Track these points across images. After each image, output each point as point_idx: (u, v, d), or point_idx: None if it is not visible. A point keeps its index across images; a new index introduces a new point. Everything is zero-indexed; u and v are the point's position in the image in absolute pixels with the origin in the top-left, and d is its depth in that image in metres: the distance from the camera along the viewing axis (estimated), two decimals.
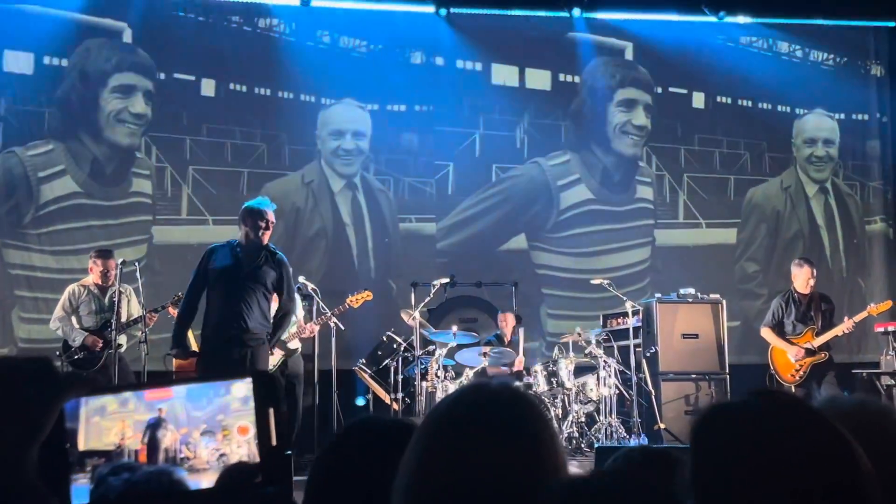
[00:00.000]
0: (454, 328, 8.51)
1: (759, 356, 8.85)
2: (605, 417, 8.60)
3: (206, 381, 1.29)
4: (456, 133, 10.84)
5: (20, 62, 9.97)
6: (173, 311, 7.33)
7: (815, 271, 8.48)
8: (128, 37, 10.22)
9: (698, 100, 11.36)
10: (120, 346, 7.71)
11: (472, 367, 8.60)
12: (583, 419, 8.73)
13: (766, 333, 8.51)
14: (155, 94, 10.16)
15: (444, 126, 10.80)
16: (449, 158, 10.81)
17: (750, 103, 11.41)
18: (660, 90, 11.26)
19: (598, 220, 10.94)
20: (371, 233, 10.53)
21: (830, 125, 11.54)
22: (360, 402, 9.05)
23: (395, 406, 8.44)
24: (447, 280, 8.80)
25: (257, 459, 1.24)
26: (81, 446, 1.26)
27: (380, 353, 8.75)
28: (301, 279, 7.78)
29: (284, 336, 7.79)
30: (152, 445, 1.27)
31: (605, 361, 8.74)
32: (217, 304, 6.05)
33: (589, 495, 1.20)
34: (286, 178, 10.43)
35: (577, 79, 11.19)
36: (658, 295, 9.39)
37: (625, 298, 9.08)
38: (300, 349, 8.11)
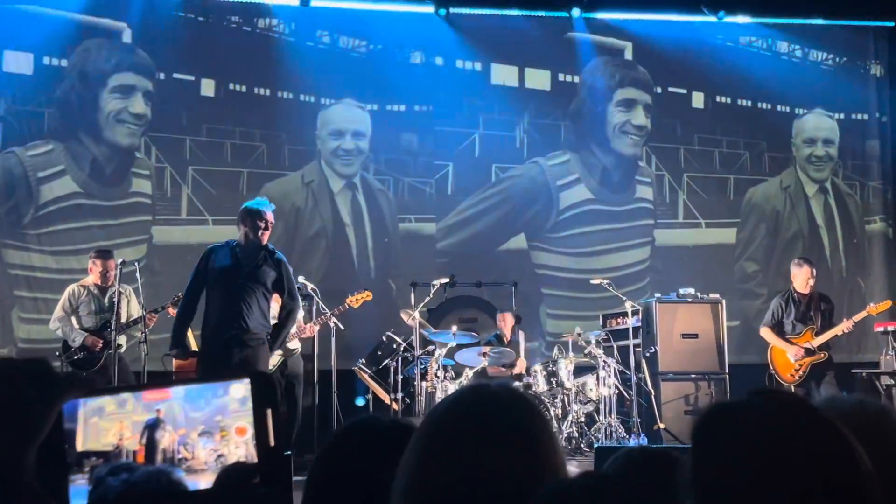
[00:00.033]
0: (454, 328, 8.51)
1: (759, 356, 8.86)
2: (605, 417, 8.60)
3: (205, 383, 1.29)
4: (455, 133, 10.84)
5: (20, 62, 9.97)
6: (173, 312, 7.33)
7: (814, 271, 8.49)
8: (127, 37, 10.22)
9: (698, 99, 11.36)
10: (120, 346, 7.72)
11: (471, 368, 8.60)
12: (582, 419, 8.73)
13: (766, 333, 8.52)
14: (154, 95, 10.15)
15: (443, 126, 10.80)
16: (448, 158, 10.81)
17: (749, 103, 11.41)
18: (659, 90, 11.26)
19: (598, 219, 10.94)
20: (371, 233, 10.53)
21: (830, 125, 11.54)
22: (360, 402, 9.04)
23: (394, 406, 8.44)
24: (447, 280, 8.81)
25: (255, 460, 1.24)
26: (80, 447, 1.26)
27: (379, 353, 8.75)
28: (301, 279, 7.77)
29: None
30: (150, 446, 1.27)
31: (604, 361, 8.74)
32: (217, 304, 6.05)
33: (574, 499, 1.20)
34: (286, 179, 10.43)
35: (576, 79, 11.19)
36: (658, 295, 9.39)
37: (624, 298, 9.08)
38: (300, 349, 8.12)
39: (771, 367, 8.50)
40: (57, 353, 7.81)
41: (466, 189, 10.83)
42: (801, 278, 8.40)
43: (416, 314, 8.34)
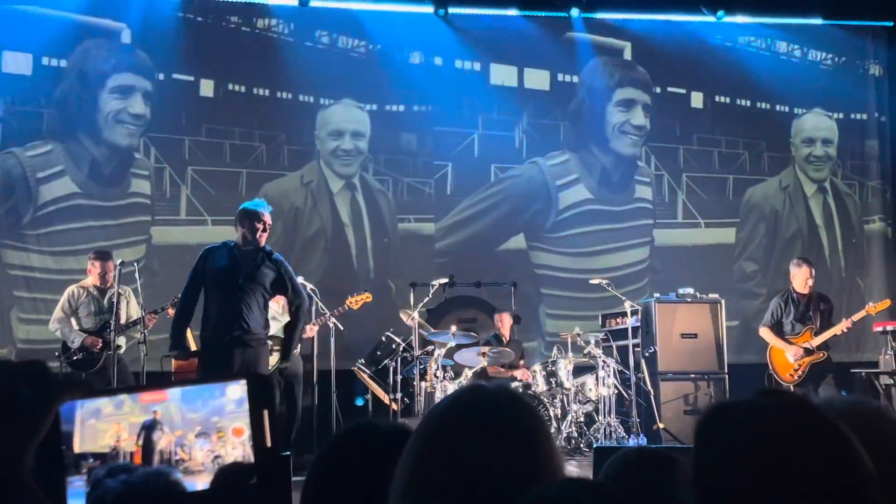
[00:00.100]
0: (453, 328, 8.51)
1: (758, 356, 8.86)
2: (604, 417, 8.60)
3: (201, 384, 1.29)
4: (455, 133, 10.85)
5: (19, 63, 9.98)
6: (172, 313, 7.33)
7: (813, 271, 8.49)
8: (126, 37, 10.22)
9: (697, 99, 11.36)
10: (119, 347, 7.72)
11: (470, 368, 8.60)
12: (582, 419, 8.73)
13: (765, 333, 8.52)
14: (154, 95, 10.15)
15: (442, 126, 10.80)
16: (448, 158, 10.81)
17: (748, 103, 11.41)
18: (658, 90, 11.27)
19: (597, 219, 10.95)
20: (370, 233, 10.53)
21: (829, 125, 11.54)
22: (359, 402, 9.04)
23: (393, 406, 8.45)
24: (446, 280, 8.82)
25: (252, 461, 1.24)
26: (77, 449, 1.26)
27: (379, 353, 8.76)
28: (300, 279, 7.75)
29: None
30: (147, 447, 1.27)
31: (603, 361, 8.75)
32: (216, 305, 6.04)
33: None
34: (285, 179, 10.43)
35: (575, 79, 11.19)
36: (657, 295, 9.40)
37: (623, 298, 9.08)
38: (299, 349, 8.12)
39: (770, 367, 8.50)
40: (56, 354, 7.82)
41: (466, 189, 10.83)
42: (801, 278, 8.40)
43: (416, 314, 8.35)
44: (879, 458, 1.22)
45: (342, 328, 8.41)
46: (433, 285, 8.67)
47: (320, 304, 8.11)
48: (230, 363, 5.91)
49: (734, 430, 1.22)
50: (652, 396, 8.77)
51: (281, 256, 6.35)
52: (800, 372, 8.29)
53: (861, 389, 8.93)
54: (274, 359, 7.41)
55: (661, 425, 8.60)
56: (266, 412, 1.25)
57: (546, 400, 8.52)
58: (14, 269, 9.68)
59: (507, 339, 9.29)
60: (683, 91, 11.34)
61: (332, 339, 8.35)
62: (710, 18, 11.12)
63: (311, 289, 8.07)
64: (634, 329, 9.18)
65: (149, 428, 1.27)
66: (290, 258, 8.92)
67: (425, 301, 8.69)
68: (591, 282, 9.42)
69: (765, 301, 9.97)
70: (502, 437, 1.31)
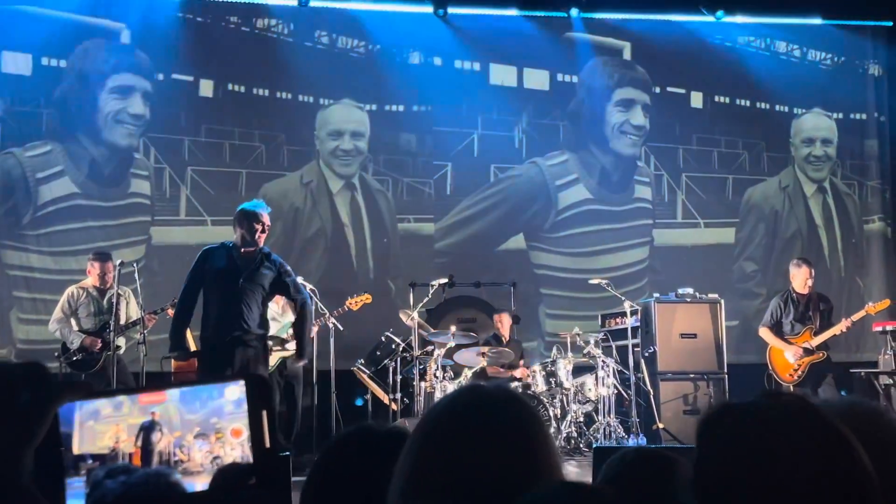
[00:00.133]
0: (452, 328, 8.51)
1: (758, 356, 8.86)
2: (604, 417, 8.60)
3: (200, 385, 1.29)
4: (454, 133, 10.85)
5: (18, 63, 9.97)
6: (172, 314, 7.32)
7: (813, 271, 8.49)
8: (126, 38, 10.22)
9: (696, 99, 11.36)
10: (119, 347, 7.71)
11: (470, 368, 8.60)
12: (581, 419, 8.73)
13: (765, 333, 8.52)
14: (153, 95, 10.15)
15: (442, 126, 10.80)
16: (447, 159, 10.81)
17: (748, 103, 11.41)
18: (658, 90, 11.27)
19: (597, 219, 10.95)
20: (370, 233, 10.53)
21: (828, 125, 11.54)
22: (359, 402, 9.04)
23: (393, 406, 8.45)
24: (446, 280, 8.82)
25: (251, 461, 1.24)
26: (76, 450, 1.26)
27: (378, 353, 8.76)
28: (299, 279, 7.77)
29: (284, 335, 7.81)
30: (146, 448, 1.27)
31: (603, 361, 8.75)
32: (216, 306, 6.03)
33: None
34: (285, 179, 10.43)
35: (575, 79, 11.19)
36: (656, 295, 9.40)
37: (623, 298, 9.08)
38: None
39: (770, 367, 8.50)
40: (56, 354, 7.81)
41: (465, 189, 10.83)
42: (800, 278, 8.41)
43: (415, 314, 8.35)
44: (877, 458, 1.22)
45: (342, 328, 8.41)
46: (433, 285, 8.67)
47: (320, 304, 8.11)
48: (230, 363, 5.91)
49: (736, 430, 1.22)
50: (651, 396, 8.77)
51: (279, 258, 6.36)
52: (799, 372, 8.29)
53: (860, 389, 8.94)
54: (274, 359, 7.43)
55: (661, 425, 8.60)
56: (264, 413, 1.25)
57: (545, 400, 8.52)
58: (14, 269, 9.68)
59: (507, 339, 9.29)
60: (683, 91, 11.34)
61: (332, 340, 8.35)
62: (710, 18, 11.12)
63: (311, 289, 8.04)
64: (634, 329, 9.18)
65: (147, 429, 1.27)
66: (289, 258, 8.95)
67: (425, 301, 8.69)
68: (591, 282, 9.42)
69: (764, 301, 9.97)
70: (500, 437, 1.31)
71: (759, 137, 11.39)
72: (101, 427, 1.26)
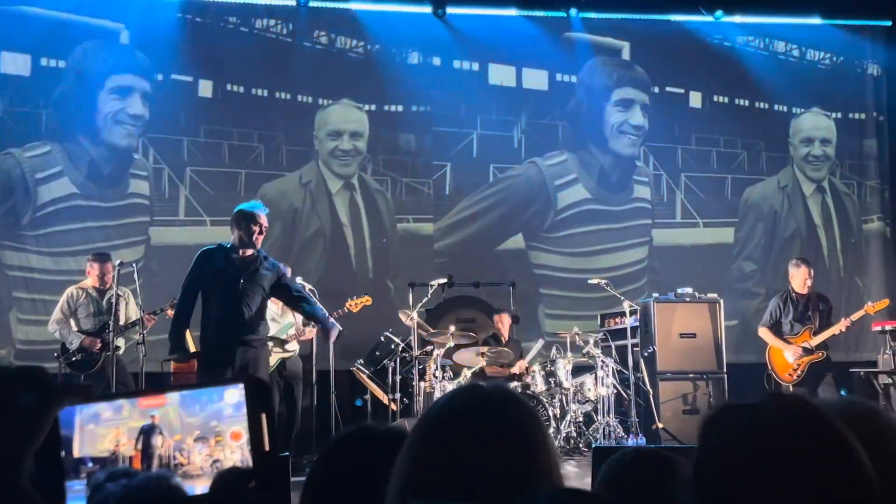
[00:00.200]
0: (452, 328, 8.51)
1: (757, 355, 8.87)
2: (603, 417, 8.61)
3: (200, 388, 1.30)
4: (453, 133, 10.85)
5: (17, 63, 9.98)
6: (171, 314, 7.32)
7: (812, 271, 8.50)
8: (125, 38, 10.22)
9: (695, 99, 11.37)
10: (118, 348, 7.71)
11: (469, 368, 8.61)
12: (581, 419, 8.74)
13: (764, 333, 8.53)
14: (152, 95, 10.15)
15: (441, 126, 10.81)
16: (446, 159, 10.81)
17: (747, 102, 11.42)
18: (657, 90, 11.27)
19: (596, 219, 10.95)
20: (369, 233, 10.53)
21: (827, 124, 11.55)
22: (358, 402, 9.04)
23: (393, 406, 8.45)
24: (445, 280, 8.82)
25: (251, 465, 1.25)
26: (76, 453, 1.26)
27: (378, 353, 8.76)
28: (299, 280, 7.78)
29: (283, 336, 7.81)
30: (146, 452, 1.27)
31: (602, 361, 8.76)
32: (217, 307, 6.03)
33: None
34: (284, 179, 10.43)
35: (574, 78, 11.19)
36: (655, 294, 9.41)
37: (622, 298, 9.08)
38: (298, 350, 8.13)
39: (769, 367, 8.51)
40: (55, 355, 7.82)
41: (464, 189, 10.84)
42: (799, 278, 8.41)
43: (415, 314, 8.36)
44: (875, 457, 1.22)
45: (341, 329, 8.39)
46: (432, 285, 8.67)
47: (319, 304, 8.09)
48: (231, 364, 5.92)
49: (736, 430, 1.22)
50: (651, 396, 8.78)
51: (276, 262, 6.38)
52: (799, 372, 8.30)
53: (860, 389, 8.95)
54: (274, 359, 7.43)
55: (660, 425, 8.60)
56: (264, 416, 1.25)
57: (545, 400, 8.52)
58: (13, 269, 9.68)
59: (506, 339, 9.30)
60: (682, 91, 11.35)
61: (331, 340, 8.34)
62: (709, 18, 11.13)
63: (310, 289, 8.05)
64: (633, 329, 9.18)
65: (147, 432, 1.28)
66: (288, 258, 8.98)
67: (424, 301, 8.69)
68: (590, 282, 9.42)
69: (763, 301, 9.98)
70: (499, 437, 1.31)
71: (757, 137, 11.40)
72: (101, 430, 1.27)
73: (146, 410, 1.27)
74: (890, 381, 8.96)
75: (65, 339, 7.80)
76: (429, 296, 8.70)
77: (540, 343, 9.46)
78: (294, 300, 6.50)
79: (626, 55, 11.32)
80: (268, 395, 1.25)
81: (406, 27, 10.79)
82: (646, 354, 9.02)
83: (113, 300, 7.65)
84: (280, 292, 6.37)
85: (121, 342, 7.89)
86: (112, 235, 9.77)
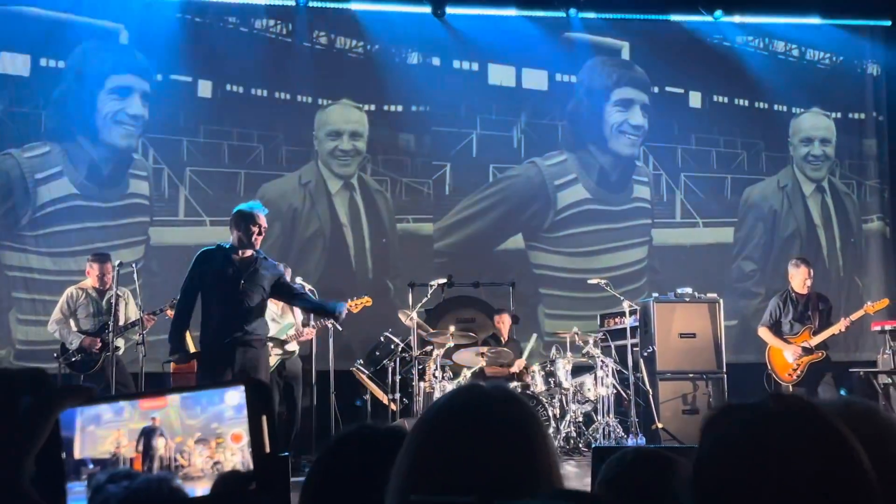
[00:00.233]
0: (451, 328, 8.51)
1: (757, 355, 8.88)
2: (603, 417, 8.61)
3: (200, 390, 1.29)
4: (453, 133, 10.85)
5: (17, 64, 9.98)
6: (171, 314, 7.32)
7: (811, 271, 8.51)
8: (124, 38, 10.22)
9: (695, 99, 11.37)
10: (117, 348, 7.71)
11: (469, 368, 8.61)
12: (580, 419, 8.74)
13: (764, 333, 8.54)
14: (152, 96, 10.15)
15: (440, 126, 10.81)
16: (446, 159, 10.82)
17: (746, 102, 11.43)
18: (656, 90, 11.28)
19: (596, 219, 10.95)
20: (368, 233, 10.54)
21: (827, 124, 11.55)
22: (358, 403, 9.04)
23: (392, 407, 8.45)
24: (444, 280, 8.82)
25: (251, 467, 1.25)
26: (77, 455, 1.26)
27: (377, 353, 8.77)
28: (298, 280, 7.78)
29: (283, 337, 7.81)
30: (147, 454, 1.27)
31: (602, 361, 8.76)
32: (217, 308, 6.03)
33: None
34: (283, 179, 10.44)
35: (573, 78, 11.19)
36: (655, 294, 9.41)
37: (622, 298, 9.09)
38: (297, 351, 8.13)
39: (769, 367, 8.52)
40: (55, 355, 7.83)
41: (464, 189, 10.84)
42: (799, 278, 8.42)
43: (414, 314, 8.36)
44: (874, 458, 1.22)
45: (340, 329, 8.41)
46: (432, 285, 8.67)
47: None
48: (231, 364, 5.92)
49: (737, 430, 1.22)
50: (650, 396, 8.78)
51: (275, 262, 6.39)
52: (798, 371, 8.31)
53: (860, 389, 8.95)
54: (273, 360, 7.43)
55: (660, 425, 8.60)
56: (265, 418, 1.25)
57: (545, 400, 8.52)
58: (12, 270, 9.68)
59: (506, 338, 9.30)
60: (681, 91, 11.35)
61: (331, 340, 8.35)
62: (708, 18, 11.13)
63: (310, 289, 8.05)
64: (633, 329, 9.18)
65: (148, 434, 1.27)
66: (288, 259, 8.99)
67: (424, 301, 8.70)
68: (590, 282, 9.42)
69: (763, 300, 9.99)
70: (499, 436, 1.31)
71: (757, 137, 11.41)
72: (102, 432, 1.26)
73: (147, 412, 1.27)
74: (889, 380, 8.96)
75: (64, 339, 7.80)
76: (428, 296, 8.70)
77: (534, 337, 9.45)
78: (294, 300, 6.51)
79: (625, 55, 11.33)
80: (268, 396, 1.25)
81: (406, 27, 10.80)
82: (645, 354, 9.03)
83: (112, 300, 7.65)
84: (279, 293, 6.38)
85: (120, 342, 7.90)
86: (112, 236, 9.77)
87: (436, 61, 10.92)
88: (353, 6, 10.72)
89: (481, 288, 9.93)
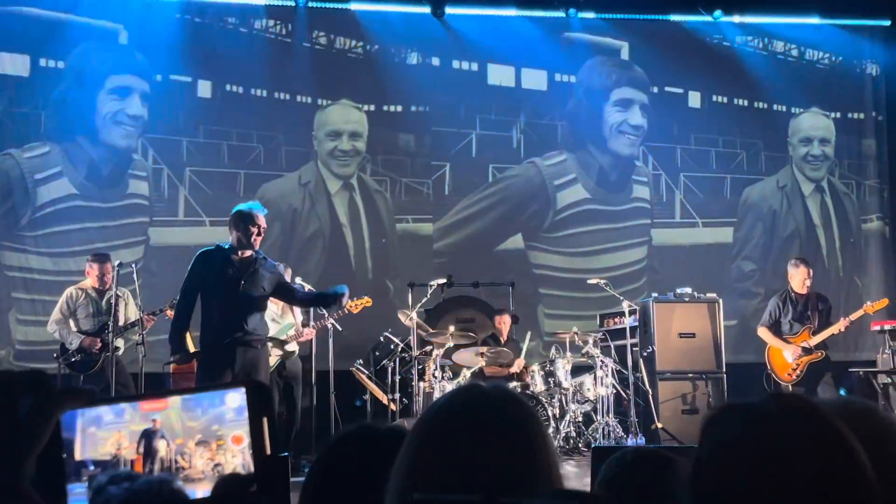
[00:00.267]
0: (451, 328, 8.51)
1: (756, 355, 8.88)
2: (603, 417, 8.61)
3: (201, 392, 1.30)
4: (452, 133, 10.85)
5: (17, 64, 9.97)
6: (171, 314, 7.31)
7: (811, 271, 8.51)
8: (124, 39, 10.22)
9: (694, 99, 11.37)
10: (117, 348, 7.71)
11: (469, 368, 8.61)
12: (580, 419, 8.74)
13: (763, 333, 8.54)
14: (151, 96, 10.15)
15: (440, 126, 10.81)
16: (445, 159, 10.82)
17: (746, 102, 11.43)
18: (656, 90, 11.27)
19: (595, 219, 10.95)
20: (368, 233, 10.54)
21: (826, 124, 11.55)
22: (358, 403, 9.04)
23: (392, 407, 8.45)
24: (444, 280, 8.82)
25: (252, 469, 1.25)
26: (78, 456, 1.27)
27: (377, 353, 8.77)
28: (298, 280, 7.79)
29: (283, 337, 7.82)
30: (147, 455, 1.27)
31: (602, 361, 8.76)
32: (217, 309, 6.02)
33: None
34: (283, 180, 10.44)
35: (573, 78, 11.19)
36: (655, 294, 9.41)
37: (621, 298, 9.08)
38: (297, 351, 8.13)
39: (768, 367, 8.52)
40: (54, 356, 7.82)
41: (463, 189, 10.84)
42: (798, 278, 8.42)
43: (414, 314, 8.36)
44: (873, 457, 1.22)
45: (340, 329, 8.41)
46: (431, 286, 8.67)
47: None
48: (231, 365, 5.93)
49: (736, 429, 1.22)
50: (650, 396, 8.78)
51: (275, 262, 6.39)
52: (798, 371, 8.31)
53: (859, 388, 8.95)
54: (273, 360, 7.43)
55: (660, 425, 8.60)
56: (265, 420, 1.26)
57: (544, 400, 8.52)
58: (12, 270, 9.68)
59: (505, 338, 9.30)
60: (681, 91, 11.35)
61: (331, 340, 8.35)
62: (708, 18, 11.13)
63: (309, 289, 8.05)
64: (632, 329, 9.18)
65: (149, 436, 1.28)
66: (288, 259, 8.98)
67: (423, 301, 8.69)
68: (589, 282, 9.42)
69: (762, 300, 9.99)
70: (498, 436, 1.31)
71: (756, 137, 11.41)
72: (103, 433, 1.27)
73: (148, 414, 1.27)
74: (889, 380, 8.96)
75: (64, 339, 7.80)
76: (428, 296, 8.70)
77: (528, 336, 9.42)
78: (294, 300, 6.52)
79: (624, 55, 11.33)
80: (269, 399, 1.26)
81: (405, 27, 10.79)
82: (645, 354, 9.03)
83: (112, 301, 7.64)
84: (280, 294, 6.39)
85: (120, 343, 7.89)
86: (111, 236, 9.77)
87: (435, 61, 10.92)
88: (353, 6, 10.71)
89: (481, 288, 9.93)
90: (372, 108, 10.72)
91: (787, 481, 1.16)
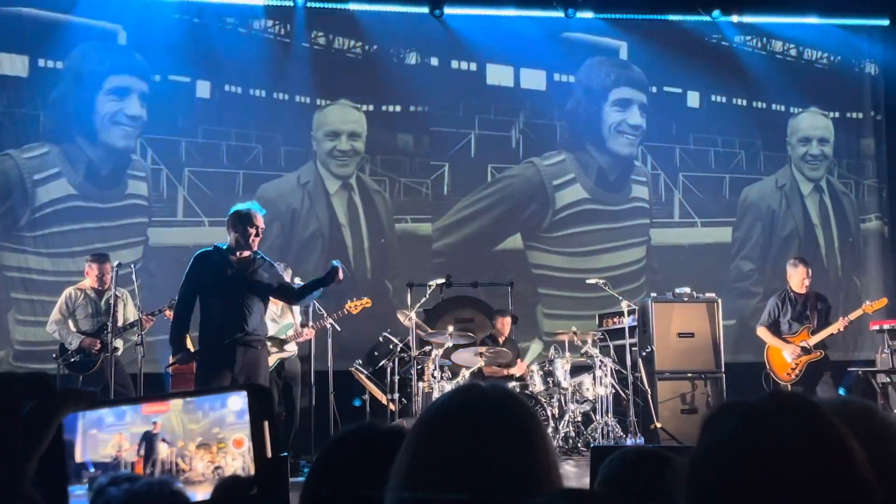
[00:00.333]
0: (450, 328, 8.51)
1: (755, 355, 8.88)
2: (602, 417, 8.62)
3: (203, 395, 1.30)
4: (451, 133, 10.85)
5: (15, 64, 9.97)
6: (170, 315, 7.31)
7: (810, 271, 8.51)
8: (123, 39, 10.21)
9: (693, 99, 11.37)
10: (116, 349, 7.71)
11: (468, 368, 8.61)
12: (579, 419, 8.74)
13: (762, 333, 8.54)
14: (150, 96, 10.14)
15: (439, 126, 10.81)
16: (444, 159, 10.82)
17: (744, 102, 11.43)
18: (654, 89, 11.28)
19: (594, 219, 10.96)
20: (367, 233, 10.54)
21: (825, 123, 11.56)
22: (357, 403, 9.04)
23: (391, 407, 8.45)
24: (443, 280, 8.82)
25: (252, 472, 1.25)
26: (79, 458, 1.27)
27: (376, 353, 8.77)
28: (297, 280, 7.78)
29: (283, 336, 7.82)
30: (148, 457, 1.28)
31: (601, 361, 8.76)
32: (217, 309, 6.02)
33: None
34: (282, 180, 10.43)
35: (571, 78, 11.19)
36: (654, 294, 9.42)
37: (620, 298, 9.09)
38: (296, 351, 8.13)
39: (767, 366, 8.52)
40: (53, 356, 7.82)
41: (462, 189, 10.84)
42: (797, 278, 8.42)
43: (413, 315, 8.36)
44: (871, 457, 1.22)
45: (339, 329, 8.41)
46: (430, 286, 8.68)
47: (318, 305, 8.11)
48: (231, 365, 5.92)
49: (733, 428, 1.22)
50: (649, 396, 8.78)
51: (273, 262, 6.39)
52: (797, 371, 8.31)
53: (858, 388, 8.96)
54: (273, 360, 7.44)
55: (659, 424, 8.61)
56: (266, 423, 1.26)
57: (543, 400, 8.52)
58: (11, 270, 9.67)
59: (505, 338, 9.30)
60: (679, 90, 11.35)
61: (330, 340, 8.35)
62: (706, 18, 11.13)
63: None
64: (631, 328, 9.19)
65: (150, 438, 1.28)
66: (287, 259, 8.97)
67: (422, 301, 8.70)
68: (588, 281, 9.43)
69: (761, 300, 9.99)
70: (498, 436, 1.31)
71: (755, 136, 11.41)
72: (104, 436, 1.27)
73: (149, 416, 1.28)
74: (888, 379, 8.97)
75: (64, 339, 7.80)
76: (427, 296, 8.70)
77: (535, 342, 9.43)
78: (294, 300, 6.52)
79: (623, 55, 11.33)
80: (271, 402, 1.26)
81: (404, 27, 10.79)
82: (644, 354, 9.03)
83: (111, 301, 7.64)
84: (281, 295, 6.38)
85: (119, 343, 7.89)
86: (110, 236, 9.76)
87: (434, 61, 10.92)
88: (352, 6, 10.71)
89: (480, 288, 9.93)
90: (371, 108, 10.72)
91: (785, 479, 1.16)
